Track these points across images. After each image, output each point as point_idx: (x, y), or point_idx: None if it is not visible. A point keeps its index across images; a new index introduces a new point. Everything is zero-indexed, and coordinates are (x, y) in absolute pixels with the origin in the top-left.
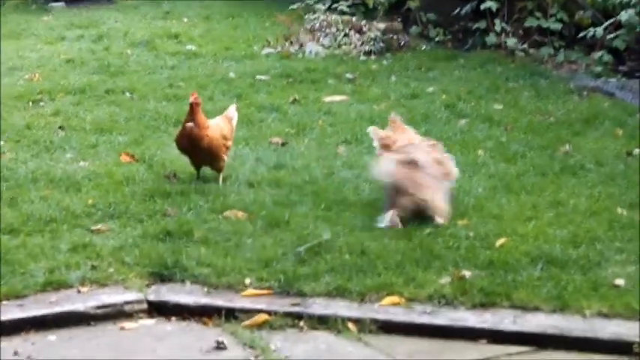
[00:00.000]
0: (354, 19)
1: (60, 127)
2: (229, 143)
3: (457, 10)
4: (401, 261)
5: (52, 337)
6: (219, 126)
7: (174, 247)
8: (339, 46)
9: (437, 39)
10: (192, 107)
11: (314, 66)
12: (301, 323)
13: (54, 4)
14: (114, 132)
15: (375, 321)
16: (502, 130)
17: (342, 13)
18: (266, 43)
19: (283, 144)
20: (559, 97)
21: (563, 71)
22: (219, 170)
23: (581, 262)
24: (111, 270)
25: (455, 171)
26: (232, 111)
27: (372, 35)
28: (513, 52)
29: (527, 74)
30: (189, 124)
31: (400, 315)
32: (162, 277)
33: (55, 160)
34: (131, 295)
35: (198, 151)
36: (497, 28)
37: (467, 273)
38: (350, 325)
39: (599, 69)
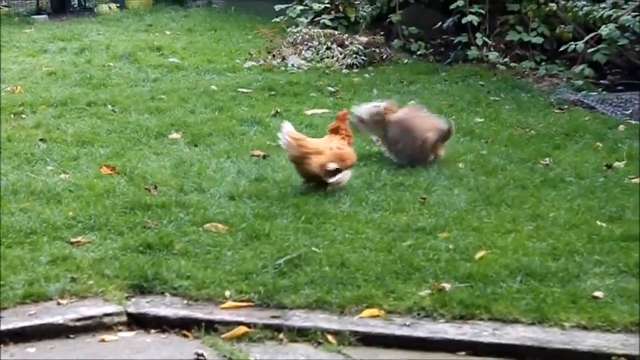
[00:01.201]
0: (336, 32)
1: (41, 140)
2: None
3: (439, 24)
4: (381, 273)
5: (31, 349)
6: None
7: (155, 259)
8: (322, 59)
9: (419, 52)
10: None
11: (296, 79)
12: (281, 335)
13: (36, 17)
14: (95, 144)
15: (354, 333)
16: (483, 143)
17: (325, 26)
18: (248, 56)
19: (264, 157)
20: (540, 111)
21: (544, 85)
22: None
23: (560, 275)
24: (90, 282)
25: None
26: None
27: (354, 49)
28: (495, 66)
29: (508, 88)
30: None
31: (380, 327)
32: (142, 289)
33: (35, 173)
34: (111, 308)
35: None
36: (479, 41)
37: (446, 285)
38: (329, 337)
39: (579, 83)
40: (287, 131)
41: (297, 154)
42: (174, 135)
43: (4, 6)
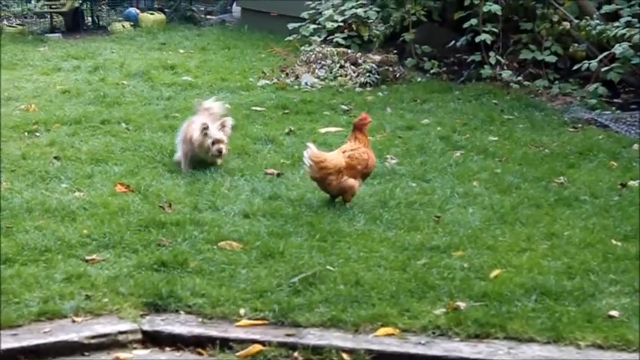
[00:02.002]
0: (349, 51)
1: (55, 158)
2: None
3: (452, 43)
4: (395, 291)
5: None
6: None
7: (169, 277)
8: (335, 77)
9: (432, 71)
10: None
11: (309, 97)
12: (295, 354)
13: (50, 35)
14: (109, 162)
15: (369, 352)
16: (497, 161)
17: (338, 45)
18: (262, 74)
19: (279, 175)
20: (554, 129)
21: (557, 103)
22: None
23: (575, 294)
24: (105, 300)
25: None
26: None
27: (368, 67)
28: (508, 85)
29: (522, 106)
30: None
31: (394, 346)
32: (156, 307)
33: (50, 190)
34: (125, 325)
35: None
36: (492, 60)
37: (461, 304)
38: (344, 355)
39: (593, 101)
40: (310, 154)
41: (318, 175)
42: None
43: (18, 24)
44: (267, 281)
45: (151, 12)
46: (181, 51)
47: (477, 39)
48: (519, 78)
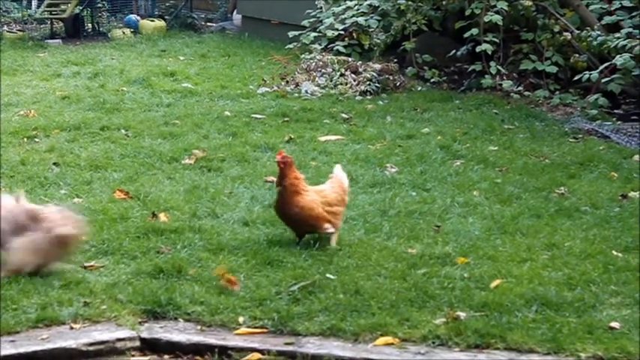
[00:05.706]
0: (350, 59)
1: (54, 164)
2: (337, 209)
3: (453, 52)
4: (395, 301)
5: None
6: (321, 192)
7: (168, 284)
8: (335, 85)
9: (432, 80)
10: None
11: (310, 105)
12: None
13: (51, 41)
14: (108, 169)
15: None
16: (497, 171)
17: (338, 53)
18: (262, 82)
19: None
20: (554, 140)
21: (558, 114)
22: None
23: (576, 305)
24: (103, 307)
25: None
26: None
27: (368, 75)
28: (509, 95)
29: (522, 116)
30: (279, 188)
31: (394, 355)
32: (155, 314)
33: (49, 196)
34: (124, 333)
35: (288, 219)
36: (493, 70)
37: (461, 314)
38: None
39: (594, 112)
40: None
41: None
42: (188, 160)
43: (19, 30)
44: (267, 289)
45: (151, 19)
46: (181, 58)
47: (478, 49)
48: (520, 88)
